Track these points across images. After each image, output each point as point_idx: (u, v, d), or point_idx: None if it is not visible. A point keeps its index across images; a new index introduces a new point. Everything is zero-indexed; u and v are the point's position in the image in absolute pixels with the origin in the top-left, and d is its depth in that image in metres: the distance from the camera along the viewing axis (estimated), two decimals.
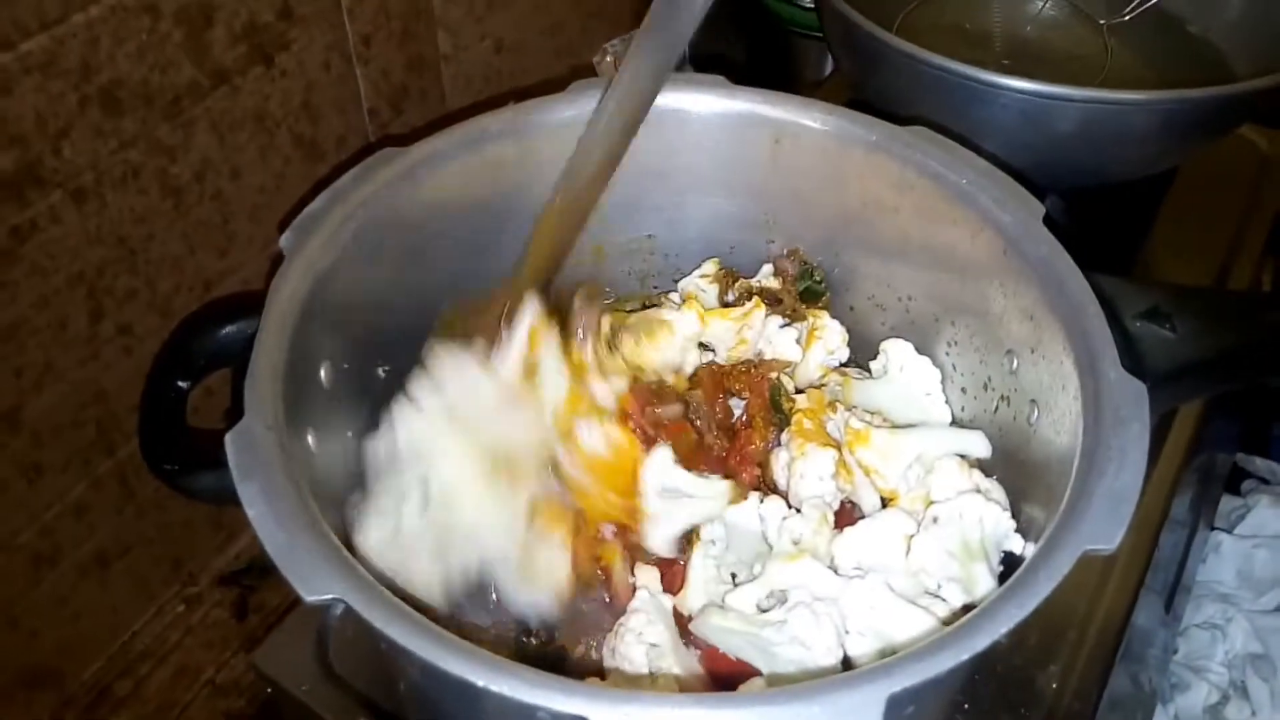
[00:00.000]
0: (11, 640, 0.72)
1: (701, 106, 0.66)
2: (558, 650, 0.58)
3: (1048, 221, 0.57)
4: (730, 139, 0.67)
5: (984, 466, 0.60)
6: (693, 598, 0.56)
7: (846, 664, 0.52)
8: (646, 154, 0.67)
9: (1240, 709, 1.00)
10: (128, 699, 0.81)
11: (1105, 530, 0.44)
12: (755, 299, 0.69)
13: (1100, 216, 0.95)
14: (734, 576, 0.58)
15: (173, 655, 0.84)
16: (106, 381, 0.71)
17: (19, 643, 0.73)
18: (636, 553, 0.59)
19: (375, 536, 0.52)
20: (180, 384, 0.55)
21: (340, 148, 0.84)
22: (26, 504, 0.70)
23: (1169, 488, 0.78)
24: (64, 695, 0.78)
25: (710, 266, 0.73)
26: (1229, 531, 1.11)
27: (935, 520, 0.55)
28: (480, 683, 0.38)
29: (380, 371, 0.64)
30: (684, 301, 0.72)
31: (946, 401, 0.64)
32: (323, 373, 0.56)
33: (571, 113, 0.65)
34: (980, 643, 0.40)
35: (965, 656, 0.40)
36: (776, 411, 0.65)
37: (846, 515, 0.61)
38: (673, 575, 0.59)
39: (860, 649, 0.52)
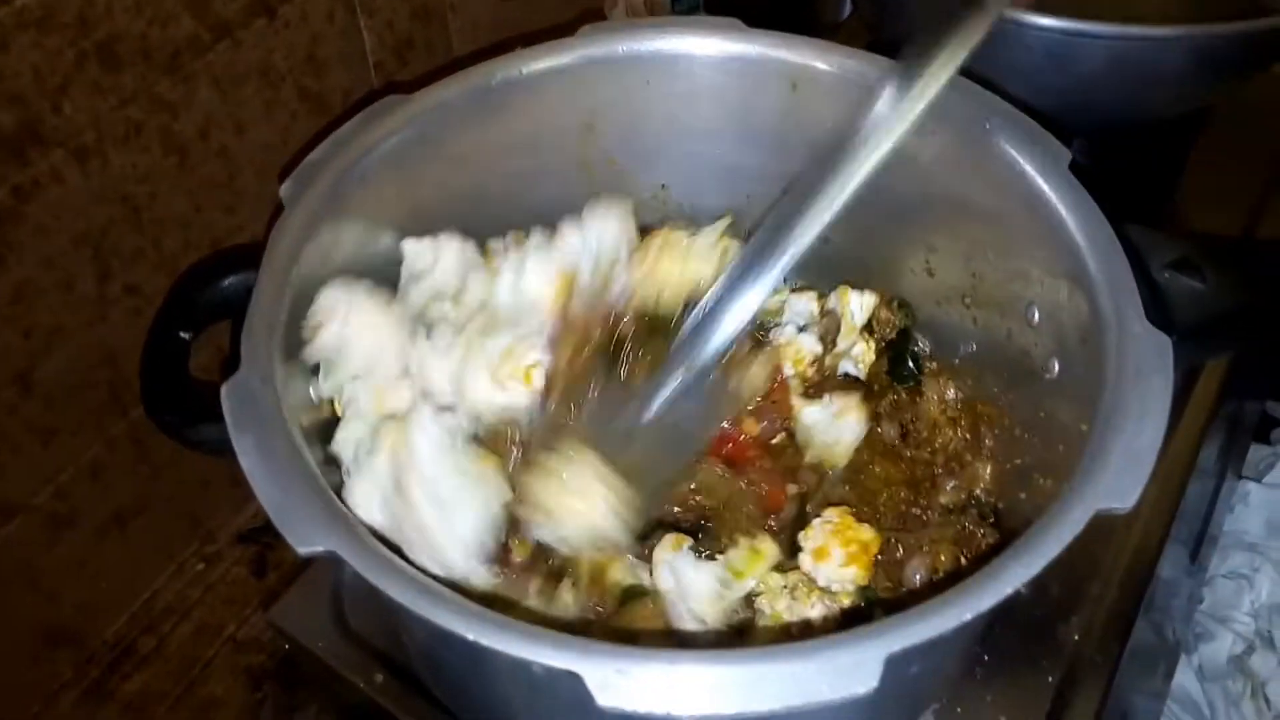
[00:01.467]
0: (33, 601, 0.73)
1: (715, 50, 0.64)
2: None
3: (1073, 167, 0.55)
4: (745, 84, 0.65)
5: (1006, 424, 0.59)
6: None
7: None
8: (658, 101, 0.66)
9: (1266, 658, 0.99)
10: (150, 656, 0.82)
11: (1121, 489, 0.42)
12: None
13: (1129, 160, 0.92)
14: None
15: (194, 612, 0.85)
16: (116, 342, 0.71)
17: (40, 603, 0.73)
18: None
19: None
20: (182, 335, 0.55)
21: (346, 101, 0.83)
22: (41, 466, 0.70)
23: (1196, 437, 0.76)
24: (87, 653, 0.79)
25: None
26: (1258, 480, 1.09)
27: None
28: (470, 636, 0.38)
29: None
30: None
31: None
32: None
33: (580, 57, 0.63)
34: (984, 603, 0.39)
35: (968, 616, 0.39)
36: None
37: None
38: None
39: None
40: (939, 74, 0.53)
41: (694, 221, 0.73)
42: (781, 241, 0.55)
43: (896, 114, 0.53)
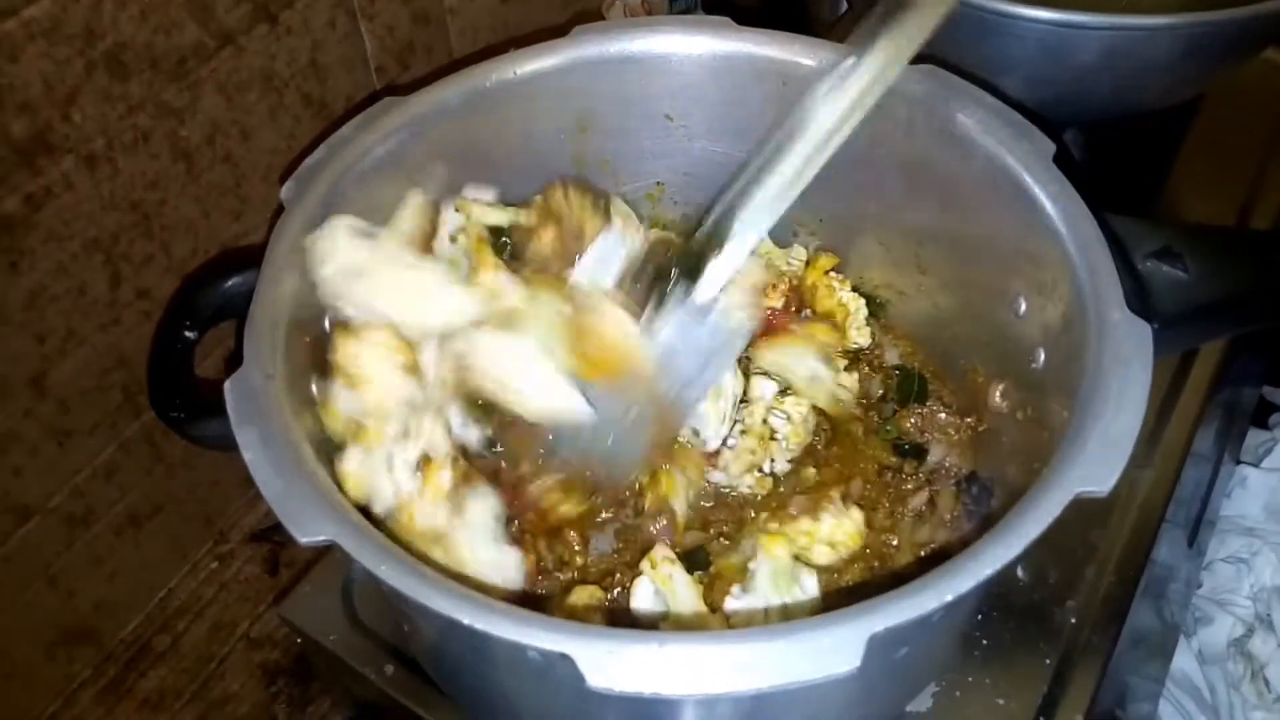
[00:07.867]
0: (51, 600, 0.74)
1: (706, 49, 0.65)
2: None
3: (1058, 160, 0.56)
4: (737, 82, 0.67)
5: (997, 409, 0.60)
6: None
7: None
8: (652, 99, 0.67)
9: (1265, 641, 1.00)
10: (166, 654, 0.83)
11: (1099, 472, 0.43)
12: None
13: (1122, 150, 0.93)
14: None
15: (208, 611, 0.86)
16: (128, 345, 0.72)
17: (58, 602, 0.75)
18: None
19: None
20: (188, 334, 0.56)
21: (349, 105, 0.84)
22: (57, 468, 0.71)
23: (1192, 422, 0.77)
24: (104, 651, 0.81)
25: None
26: (1256, 465, 1.10)
27: None
28: (467, 621, 0.39)
29: None
30: None
31: None
32: (327, 322, 0.56)
33: (572, 58, 0.64)
34: (964, 584, 0.40)
35: (949, 598, 0.40)
36: None
37: None
38: None
39: None
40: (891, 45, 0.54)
41: (688, 217, 0.74)
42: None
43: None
